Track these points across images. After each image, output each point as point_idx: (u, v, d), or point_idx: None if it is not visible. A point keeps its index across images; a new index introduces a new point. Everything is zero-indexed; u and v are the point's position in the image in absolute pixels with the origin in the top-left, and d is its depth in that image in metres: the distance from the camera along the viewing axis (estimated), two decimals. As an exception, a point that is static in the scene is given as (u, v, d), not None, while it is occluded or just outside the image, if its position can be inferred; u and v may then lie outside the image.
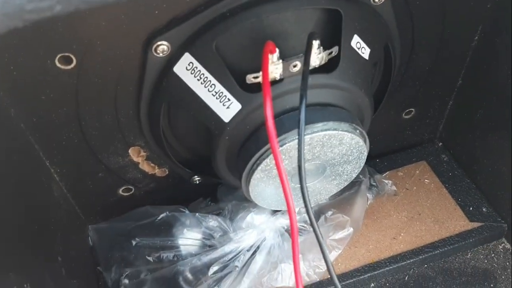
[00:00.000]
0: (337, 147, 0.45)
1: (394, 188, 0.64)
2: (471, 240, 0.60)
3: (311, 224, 0.39)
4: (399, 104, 0.62)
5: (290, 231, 0.39)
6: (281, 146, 0.43)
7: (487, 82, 0.58)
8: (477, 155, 0.64)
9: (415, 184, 0.66)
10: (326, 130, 0.43)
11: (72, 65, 0.42)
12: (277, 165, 0.37)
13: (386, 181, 0.64)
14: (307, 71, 0.38)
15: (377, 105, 0.55)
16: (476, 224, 0.61)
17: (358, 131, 0.45)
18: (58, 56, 0.41)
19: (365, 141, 0.47)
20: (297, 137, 0.39)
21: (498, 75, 0.56)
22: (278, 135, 0.42)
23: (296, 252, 0.39)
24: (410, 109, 0.63)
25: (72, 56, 0.41)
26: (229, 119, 0.43)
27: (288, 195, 0.38)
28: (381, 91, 0.55)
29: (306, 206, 0.38)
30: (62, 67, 0.41)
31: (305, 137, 0.43)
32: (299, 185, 0.38)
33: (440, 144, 0.70)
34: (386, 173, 0.66)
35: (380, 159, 0.68)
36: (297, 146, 0.38)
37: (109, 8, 0.38)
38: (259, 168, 0.44)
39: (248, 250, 0.53)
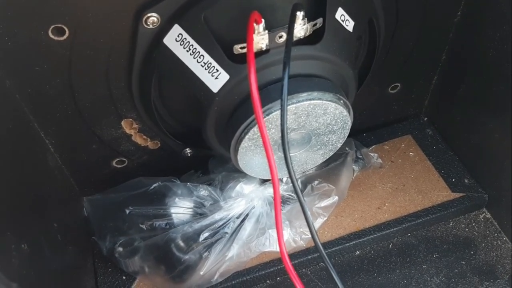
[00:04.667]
0: (321, 116, 0.46)
1: (380, 161, 0.66)
2: (453, 210, 0.62)
3: (294, 190, 0.40)
4: (385, 79, 0.63)
5: (273, 198, 0.40)
6: (267, 115, 0.44)
7: (469, 57, 0.59)
8: (460, 129, 0.66)
9: (400, 157, 0.67)
10: (310, 99, 0.44)
11: (65, 36, 0.43)
12: (262, 133, 0.38)
13: (372, 154, 0.66)
14: (290, 39, 0.39)
15: (363, 79, 0.56)
16: (458, 195, 0.63)
17: (342, 101, 0.47)
18: (51, 27, 0.42)
19: (349, 112, 0.48)
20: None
21: (480, 50, 0.57)
22: (265, 104, 0.44)
23: (279, 218, 0.40)
24: (396, 84, 0.64)
25: (65, 28, 0.42)
26: (217, 89, 0.44)
27: (271, 162, 0.38)
28: (366, 66, 0.56)
29: (289, 173, 0.39)
30: (55, 38, 0.42)
31: (291, 106, 0.44)
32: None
33: (425, 118, 0.72)
34: (373, 146, 0.68)
35: (366, 134, 0.70)
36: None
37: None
38: (247, 136, 0.46)
39: (237, 218, 0.55)
